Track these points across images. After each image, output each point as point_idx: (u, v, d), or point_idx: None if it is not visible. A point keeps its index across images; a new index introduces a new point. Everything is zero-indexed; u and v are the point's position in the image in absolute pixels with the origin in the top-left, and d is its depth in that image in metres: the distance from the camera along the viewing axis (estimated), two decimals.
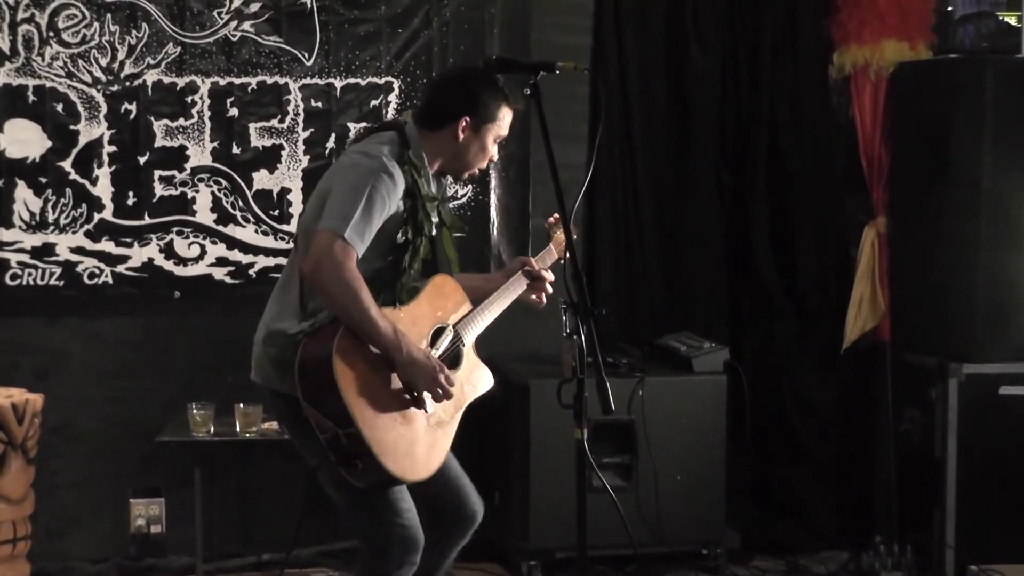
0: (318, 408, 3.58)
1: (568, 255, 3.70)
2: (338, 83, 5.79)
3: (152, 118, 5.68)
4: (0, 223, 5.60)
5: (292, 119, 5.76)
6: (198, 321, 5.79)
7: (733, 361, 5.70)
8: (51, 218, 5.63)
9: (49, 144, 5.62)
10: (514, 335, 5.98)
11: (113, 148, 5.67)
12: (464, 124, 3.87)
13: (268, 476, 5.72)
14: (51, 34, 5.60)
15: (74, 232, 5.65)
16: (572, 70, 3.75)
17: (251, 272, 5.75)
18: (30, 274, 5.62)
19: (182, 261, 5.71)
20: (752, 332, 6.27)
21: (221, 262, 5.74)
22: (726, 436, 5.64)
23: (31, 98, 5.60)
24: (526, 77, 3.71)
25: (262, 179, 5.74)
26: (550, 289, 4.18)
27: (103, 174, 5.66)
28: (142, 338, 5.80)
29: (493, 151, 3.98)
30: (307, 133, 5.77)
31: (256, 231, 5.76)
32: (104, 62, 5.64)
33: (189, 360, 5.73)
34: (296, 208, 5.74)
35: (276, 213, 5.77)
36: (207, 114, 5.72)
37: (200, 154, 5.72)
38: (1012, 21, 5.75)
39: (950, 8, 5.89)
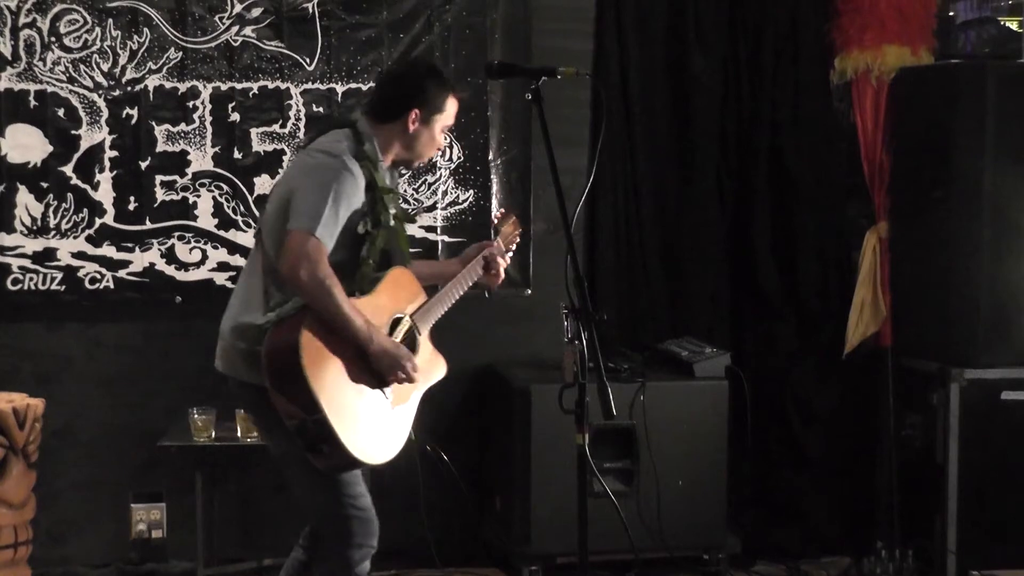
0: (285, 396, 3.74)
1: (570, 259, 3.71)
2: (339, 88, 5.79)
3: (153, 123, 5.68)
4: (1, 228, 5.60)
5: (294, 124, 5.76)
6: (199, 326, 5.75)
7: (734, 366, 5.70)
8: (52, 223, 5.63)
9: (50, 149, 5.62)
10: (515, 340, 6.01)
11: (114, 153, 5.67)
12: (414, 116, 4.06)
13: (269, 481, 5.71)
14: (53, 39, 5.60)
15: (75, 237, 5.65)
16: (573, 75, 3.80)
17: None
18: (31, 279, 5.62)
19: (183, 266, 5.71)
20: (753, 337, 6.26)
21: (222, 267, 5.74)
22: (727, 441, 5.64)
23: (32, 103, 5.60)
24: (528, 82, 3.75)
25: (263, 184, 5.74)
26: (503, 275, 4.41)
27: (104, 179, 5.66)
28: (143, 343, 5.80)
29: (441, 140, 4.19)
30: None
31: None
32: (106, 67, 5.64)
33: (190, 365, 5.71)
34: None
35: None
36: (208, 119, 5.72)
37: (201, 159, 5.72)
38: (1013, 26, 5.77)
39: (952, 13, 5.90)
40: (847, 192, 6.16)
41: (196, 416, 5.27)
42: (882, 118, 5.85)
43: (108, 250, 5.67)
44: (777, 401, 6.17)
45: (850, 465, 6.17)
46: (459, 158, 5.91)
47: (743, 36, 6.20)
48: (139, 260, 5.69)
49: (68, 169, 5.63)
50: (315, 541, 4.17)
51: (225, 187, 5.73)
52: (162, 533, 5.69)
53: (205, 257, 5.73)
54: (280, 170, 5.74)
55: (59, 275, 5.64)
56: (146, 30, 5.65)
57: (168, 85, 5.69)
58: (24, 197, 5.61)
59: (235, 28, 5.72)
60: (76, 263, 5.65)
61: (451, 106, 4.13)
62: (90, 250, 5.66)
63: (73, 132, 5.63)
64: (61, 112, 5.62)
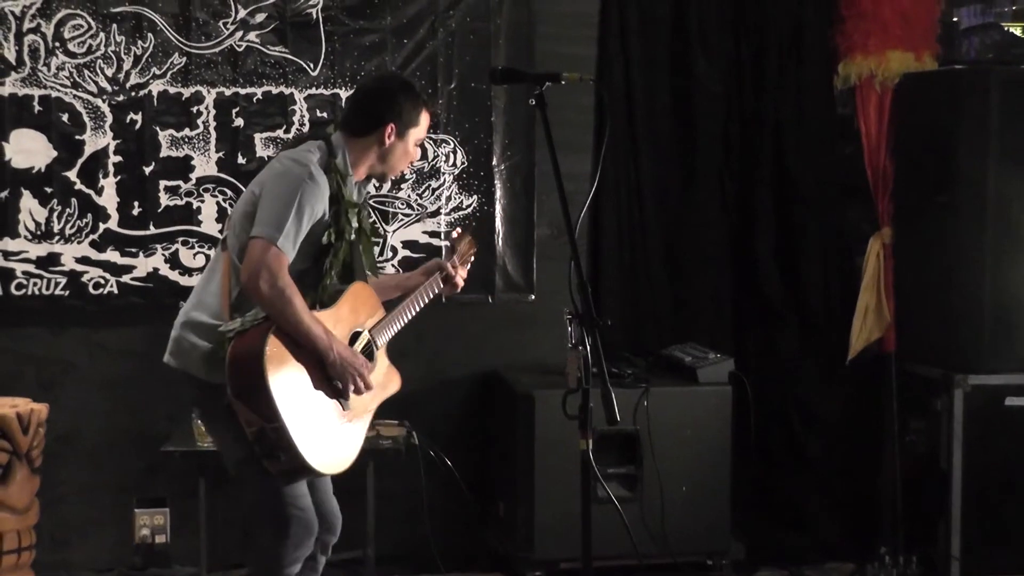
0: (247, 403, 3.79)
1: (573, 265, 3.71)
2: (343, 93, 5.79)
3: (157, 128, 5.69)
4: (5, 233, 5.61)
5: (297, 129, 5.76)
6: None
7: (738, 372, 5.70)
8: (56, 228, 5.63)
9: (54, 154, 5.63)
10: (519, 345, 6.01)
11: (118, 158, 5.67)
12: (390, 130, 4.10)
13: None
14: (57, 44, 5.61)
15: (79, 242, 5.65)
16: (577, 80, 3.81)
17: None
18: (35, 284, 5.62)
19: (187, 271, 5.72)
20: (757, 342, 6.26)
21: None
22: (731, 446, 5.63)
23: (37, 108, 5.61)
24: (532, 87, 3.75)
25: None
26: (460, 285, 4.44)
27: (108, 184, 5.67)
28: (147, 348, 5.77)
29: (415, 154, 4.23)
30: None
31: None
32: (110, 72, 5.65)
33: None
34: None
35: None
36: (212, 124, 5.73)
37: (205, 164, 5.73)
38: (1017, 32, 5.76)
39: (955, 19, 5.90)
40: (850, 198, 6.15)
41: (199, 422, 5.27)
42: (886, 123, 5.86)
43: (112, 255, 5.68)
44: (781, 407, 6.17)
45: (854, 471, 6.17)
46: (463, 163, 5.92)
47: (746, 41, 6.21)
48: (143, 265, 5.70)
49: (72, 174, 5.64)
50: (248, 539, 4.21)
51: (229, 192, 5.73)
52: (165, 538, 5.69)
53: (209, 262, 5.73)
54: None
55: (63, 280, 5.64)
56: (150, 35, 5.66)
57: (172, 90, 5.70)
58: (28, 202, 5.62)
59: (239, 33, 5.73)
60: (80, 268, 5.66)
61: (424, 120, 4.18)
62: (94, 255, 5.66)
63: (77, 137, 5.64)
64: (65, 117, 5.62)
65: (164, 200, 5.71)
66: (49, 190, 5.62)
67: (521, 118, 5.95)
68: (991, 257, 5.45)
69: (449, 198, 5.92)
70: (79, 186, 5.65)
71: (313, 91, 5.78)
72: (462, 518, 5.84)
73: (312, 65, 5.78)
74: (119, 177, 5.68)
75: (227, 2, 5.71)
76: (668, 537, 5.45)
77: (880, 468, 6.07)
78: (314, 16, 5.77)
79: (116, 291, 5.68)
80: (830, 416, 6.19)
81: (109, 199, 5.67)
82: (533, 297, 6.03)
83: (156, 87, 5.68)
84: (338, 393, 3.97)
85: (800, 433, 6.20)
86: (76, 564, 5.77)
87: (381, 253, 5.82)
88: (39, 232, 5.63)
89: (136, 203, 5.69)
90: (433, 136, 5.87)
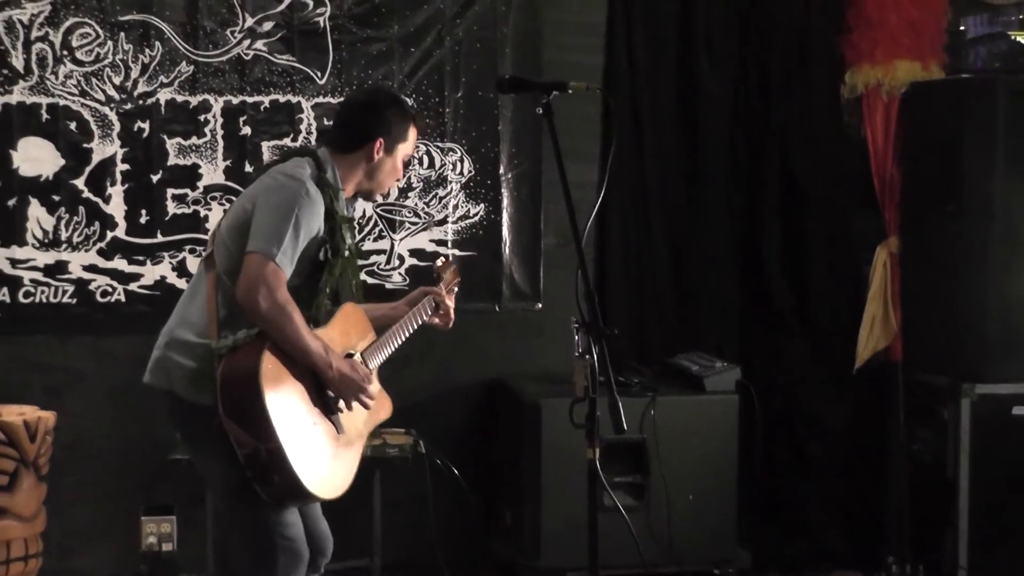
0: (239, 423, 3.66)
1: (580, 273, 3.71)
2: None
3: (165, 136, 5.70)
4: (13, 241, 5.61)
5: (304, 137, 5.78)
6: None
7: (745, 381, 5.70)
8: (64, 236, 5.64)
9: (62, 162, 5.64)
10: (526, 354, 6.02)
11: (126, 166, 5.68)
12: (378, 145, 4.01)
13: None
14: (65, 52, 5.62)
15: (87, 250, 5.66)
16: (584, 90, 3.80)
17: None
18: (43, 292, 5.63)
19: None
20: (763, 351, 6.26)
21: None
22: (738, 455, 5.63)
23: (44, 116, 5.62)
24: (539, 96, 3.75)
25: None
26: (452, 316, 4.36)
27: (116, 192, 5.68)
28: None
29: (402, 170, 4.14)
30: None
31: None
32: (117, 80, 5.66)
33: None
34: None
35: None
36: (220, 132, 5.74)
37: (213, 172, 5.74)
38: None
39: (962, 28, 5.90)
40: (857, 207, 6.15)
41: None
42: (892, 133, 5.86)
43: (119, 263, 5.68)
44: (787, 415, 6.17)
45: (861, 480, 6.16)
46: (470, 172, 5.93)
47: (753, 51, 6.21)
48: (150, 273, 5.70)
49: (80, 182, 5.65)
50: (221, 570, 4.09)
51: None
52: (172, 546, 5.68)
53: None
54: None
55: (70, 288, 5.65)
56: (158, 44, 5.67)
57: (180, 99, 5.71)
58: (36, 210, 5.62)
59: (246, 42, 5.74)
60: (87, 276, 5.66)
61: (412, 135, 4.10)
62: (101, 263, 5.67)
63: (85, 145, 5.65)
64: (73, 125, 5.63)
65: (171, 208, 5.72)
66: (57, 198, 5.63)
67: (528, 127, 5.96)
68: (998, 265, 5.44)
69: (456, 206, 5.93)
70: (87, 194, 5.65)
71: (320, 99, 5.79)
72: (468, 526, 5.85)
73: (319, 73, 5.79)
74: (127, 185, 5.69)
75: (235, 11, 5.72)
76: (674, 545, 5.45)
77: (887, 477, 6.07)
78: (321, 25, 5.78)
79: (123, 299, 5.69)
80: (837, 425, 6.18)
81: (116, 207, 5.68)
82: (540, 306, 6.03)
83: (164, 95, 5.69)
84: (335, 413, 3.88)
85: (807, 442, 6.20)
86: (83, 572, 5.77)
87: (388, 261, 5.82)
88: (47, 240, 5.63)
89: (143, 211, 5.69)
90: (440, 144, 5.88)
